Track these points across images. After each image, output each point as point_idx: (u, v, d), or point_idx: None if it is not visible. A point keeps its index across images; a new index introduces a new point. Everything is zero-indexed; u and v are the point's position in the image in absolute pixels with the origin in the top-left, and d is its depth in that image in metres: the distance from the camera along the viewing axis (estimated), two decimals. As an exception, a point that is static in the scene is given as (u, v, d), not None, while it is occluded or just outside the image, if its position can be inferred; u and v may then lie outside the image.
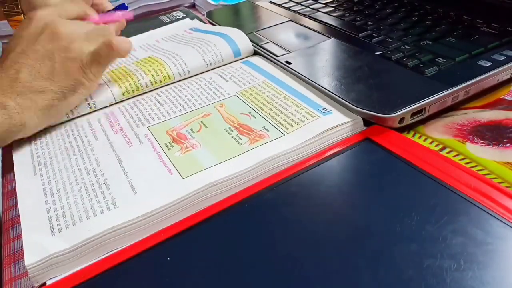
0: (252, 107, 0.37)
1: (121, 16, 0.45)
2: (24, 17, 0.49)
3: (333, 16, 0.52)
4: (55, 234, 0.27)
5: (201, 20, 0.61)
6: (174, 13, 0.66)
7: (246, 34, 0.48)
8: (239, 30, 0.49)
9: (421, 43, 0.41)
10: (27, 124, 0.36)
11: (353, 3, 0.55)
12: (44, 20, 0.38)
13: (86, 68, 0.38)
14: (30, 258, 0.26)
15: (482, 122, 0.33)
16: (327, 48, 0.44)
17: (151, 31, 0.59)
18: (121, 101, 0.43)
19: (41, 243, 0.27)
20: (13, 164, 0.35)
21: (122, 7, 0.48)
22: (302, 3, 0.58)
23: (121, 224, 0.27)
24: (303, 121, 0.34)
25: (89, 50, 0.39)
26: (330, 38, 0.46)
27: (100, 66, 0.39)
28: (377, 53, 0.41)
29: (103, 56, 0.39)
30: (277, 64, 0.44)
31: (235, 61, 0.47)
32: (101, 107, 0.42)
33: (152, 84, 0.43)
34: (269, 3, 0.61)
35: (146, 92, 0.43)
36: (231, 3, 0.64)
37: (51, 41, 0.37)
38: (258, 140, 0.33)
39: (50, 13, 0.40)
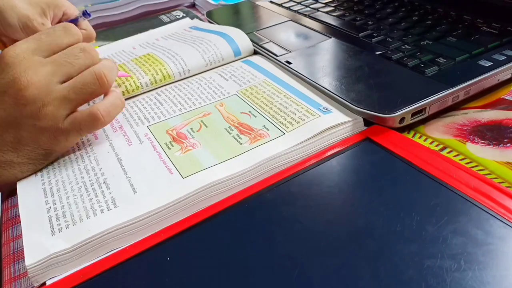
0: (252, 106, 0.37)
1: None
2: None
3: (333, 15, 0.52)
4: (55, 234, 0.27)
5: (201, 20, 0.61)
6: (174, 13, 0.66)
7: (246, 34, 0.48)
8: (239, 29, 0.49)
9: (422, 43, 0.41)
10: None
11: (353, 2, 0.55)
12: (13, 71, 0.30)
13: (60, 136, 0.32)
14: (30, 258, 0.26)
15: (483, 122, 0.33)
16: (327, 47, 0.44)
17: (150, 31, 0.59)
18: (121, 101, 0.43)
19: (41, 243, 0.27)
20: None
21: (85, 14, 0.48)
22: (302, 3, 0.58)
23: (121, 223, 0.27)
24: (304, 120, 0.34)
25: (66, 114, 0.32)
26: (330, 37, 0.46)
27: (80, 135, 0.33)
28: (377, 52, 0.41)
29: (85, 127, 0.32)
30: (277, 64, 0.44)
31: (235, 60, 0.47)
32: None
33: (152, 84, 0.43)
34: (269, 3, 0.61)
35: (146, 92, 0.43)
36: (231, 3, 0.64)
37: (16, 105, 0.30)
38: (258, 140, 0.33)
39: (24, 52, 0.31)
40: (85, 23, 0.49)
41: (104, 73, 0.33)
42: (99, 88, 0.33)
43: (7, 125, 0.30)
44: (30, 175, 0.33)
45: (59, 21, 0.50)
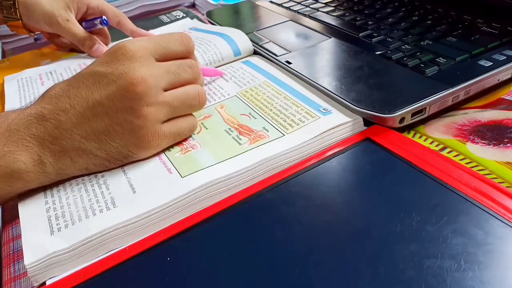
0: (252, 107, 0.37)
1: (215, 73, 0.43)
2: (22, 22, 0.50)
3: (333, 15, 0.52)
4: (54, 234, 0.27)
5: (201, 20, 0.61)
6: (174, 13, 0.66)
7: (246, 34, 0.48)
8: (239, 30, 0.49)
9: (422, 42, 0.41)
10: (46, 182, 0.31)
11: (353, 2, 0.55)
12: (130, 64, 0.30)
13: (154, 139, 0.31)
14: (30, 257, 0.26)
15: (483, 122, 0.33)
16: (327, 47, 0.44)
17: (150, 31, 0.58)
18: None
19: (40, 242, 0.27)
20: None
21: (103, 22, 0.51)
22: (302, 3, 0.58)
23: (120, 223, 0.27)
24: (303, 122, 0.34)
25: (164, 119, 0.32)
26: (330, 37, 0.46)
27: (174, 141, 0.33)
28: (377, 52, 0.41)
29: (182, 137, 0.34)
30: (277, 64, 0.44)
31: (235, 60, 0.47)
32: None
33: (152, 84, 0.43)
34: (269, 3, 0.61)
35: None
36: (231, 3, 0.64)
37: (122, 96, 0.30)
38: (258, 140, 0.33)
39: (142, 50, 0.32)
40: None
41: (205, 93, 0.35)
42: (198, 105, 0.34)
43: (104, 113, 0.30)
44: (101, 171, 0.32)
45: (84, 15, 0.52)
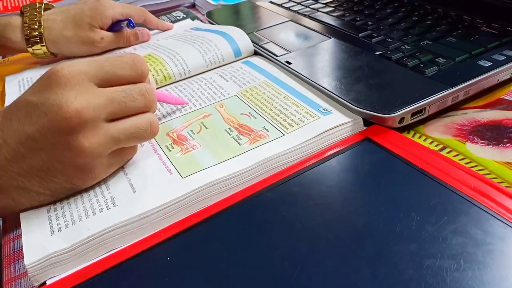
0: (252, 107, 0.37)
1: (176, 102, 0.39)
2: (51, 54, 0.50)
3: (333, 16, 0.52)
4: (54, 233, 0.27)
5: (201, 21, 0.61)
6: (174, 13, 0.66)
7: (246, 34, 0.48)
8: (240, 29, 0.49)
9: (421, 43, 0.41)
10: None
11: (353, 3, 0.55)
12: (62, 94, 0.27)
13: (100, 172, 0.30)
14: (30, 257, 0.26)
15: (482, 122, 0.33)
16: (327, 48, 0.44)
17: (151, 31, 0.58)
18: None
19: (41, 242, 0.27)
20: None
21: (129, 25, 0.52)
22: (302, 3, 0.58)
23: (120, 222, 0.27)
24: (303, 122, 0.34)
25: (109, 152, 0.29)
26: (330, 38, 0.46)
27: (120, 166, 0.32)
28: (377, 53, 0.41)
29: (126, 159, 0.32)
30: (277, 64, 0.44)
31: (236, 61, 0.47)
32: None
33: (152, 84, 0.43)
34: (269, 3, 0.61)
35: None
36: (231, 3, 0.64)
37: (56, 132, 0.26)
38: (258, 140, 0.33)
39: (80, 75, 0.28)
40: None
41: (158, 123, 0.31)
42: (149, 136, 0.31)
43: (39, 149, 0.26)
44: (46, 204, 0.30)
45: (110, 26, 0.53)
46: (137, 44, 0.54)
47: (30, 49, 0.49)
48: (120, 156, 0.31)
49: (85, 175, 0.29)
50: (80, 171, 0.28)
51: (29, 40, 0.48)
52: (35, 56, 0.51)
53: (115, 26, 0.53)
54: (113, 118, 0.29)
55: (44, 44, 0.49)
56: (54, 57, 0.53)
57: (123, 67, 0.30)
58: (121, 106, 0.29)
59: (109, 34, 0.52)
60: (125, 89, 0.29)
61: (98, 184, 0.31)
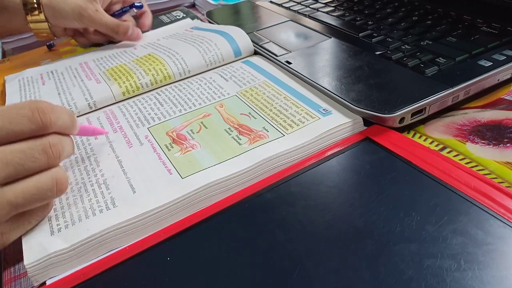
0: (252, 107, 0.37)
1: (97, 133, 0.35)
2: (48, 24, 0.50)
3: (333, 15, 0.52)
4: (54, 234, 0.27)
5: (201, 20, 0.61)
6: (174, 13, 0.66)
7: (246, 34, 0.48)
8: (240, 29, 0.49)
9: (421, 42, 0.41)
10: None
11: (353, 2, 0.55)
12: None
13: None
14: (30, 257, 0.26)
15: (482, 122, 0.33)
16: (327, 47, 0.44)
17: (151, 31, 0.59)
18: (121, 101, 0.43)
19: (40, 242, 0.27)
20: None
21: (135, 6, 0.52)
22: (302, 3, 0.58)
23: (120, 223, 0.27)
24: (303, 122, 0.34)
25: (8, 218, 0.26)
26: (330, 37, 0.46)
27: (29, 228, 0.28)
28: (377, 53, 0.41)
29: (38, 220, 0.28)
30: (277, 64, 0.44)
31: (236, 60, 0.47)
32: (101, 107, 0.42)
33: (152, 84, 0.43)
34: (269, 3, 0.61)
35: (146, 92, 0.43)
36: (231, 3, 0.64)
37: None
38: (257, 140, 0.33)
39: None
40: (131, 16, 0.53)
41: (65, 178, 0.28)
42: (55, 195, 0.27)
43: None
44: None
45: (108, 7, 0.53)
46: (126, 39, 0.54)
47: (28, 17, 0.49)
48: (26, 219, 0.27)
49: None
50: None
51: (27, 6, 0.48)
52: (35, 34, 0.51)
53: (119, 14, 0.54)
54: (10, 181, 0.25)
55: (42, 10, 0.49)
56: (54, 38, 0.53)
57: (20, 121, 0.25)
58: (17, 169, 0.25)
59: (104, 12, 0.51)
60: (24, 150, 0.25)
61: (98, 184, 0.31)
